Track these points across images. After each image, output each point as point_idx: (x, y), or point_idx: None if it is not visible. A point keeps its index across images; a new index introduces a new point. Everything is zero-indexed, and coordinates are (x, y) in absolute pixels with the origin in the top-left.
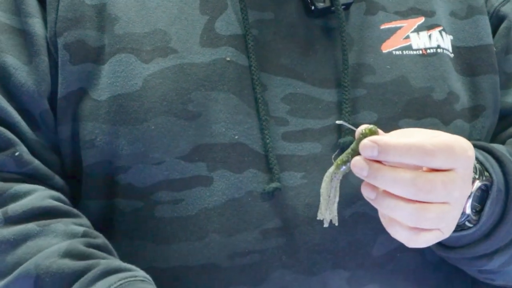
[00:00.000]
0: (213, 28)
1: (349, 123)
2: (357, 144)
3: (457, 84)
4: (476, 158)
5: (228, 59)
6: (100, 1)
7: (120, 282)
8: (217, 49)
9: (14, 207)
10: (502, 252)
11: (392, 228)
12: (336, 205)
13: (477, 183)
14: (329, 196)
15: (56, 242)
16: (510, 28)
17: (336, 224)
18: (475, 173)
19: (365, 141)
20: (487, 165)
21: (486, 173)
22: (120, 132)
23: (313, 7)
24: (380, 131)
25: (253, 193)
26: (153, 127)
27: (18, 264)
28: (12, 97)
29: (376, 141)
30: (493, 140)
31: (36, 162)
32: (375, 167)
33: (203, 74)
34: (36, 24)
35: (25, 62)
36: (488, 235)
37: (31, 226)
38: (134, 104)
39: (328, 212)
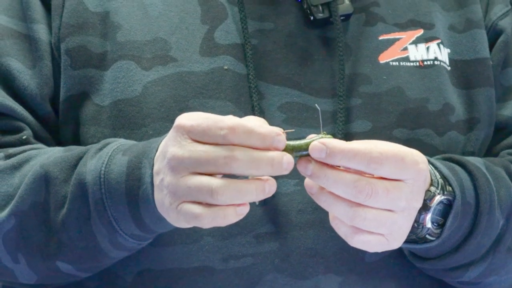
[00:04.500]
0: (212, 37)
1: (342, 132)
2: (309, 144)
3: (453, 96)
4: (440, 172)
5: (225, 67)
6: (103, 9)
7: (120, 143)
8: (216, 58)
9: (15, 149)
10: (477, 264)
11: (334, 222)
12: None
13: (438, 198)
14: None
15: (54, 152)
16: (507, 42)
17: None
18: (436, 187)
19: (315, 142)
20: (451, 180)
21: (449, 188)
22: (119, 136)
23: (312, 18)
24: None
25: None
26: (151, 132)
27: (24, 176)
28: (16, 99)
29: (325, 143)
30: (488, 152)
31: (40, 144)
32: (319, 167)
33: (201, 82)
34: (41, 30)
35: (29, 66)
36: (457, 247)
37: (30, 151)
38: (133, 109)
39: None
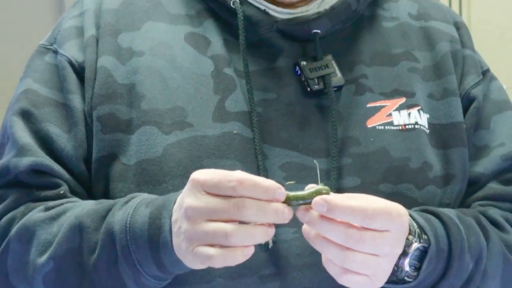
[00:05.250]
0: (223, 106)
1: (335, 187)
2: (309, 195)
3: (431, 155)
4: (417, 223)
5: (235, 132)
6: (130, 81)
7: (143, 197)
8: (226, 124)
9: (53, 202)
10: None
11: (326, 263)
12: None
13: (415, 245)
14: None
15: (87, 204)
16: (479, 108)
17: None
18: (414, 236)
19: (318, 198)
20: (427, 229)
21: (424, 236)
22: (143, 191)
23: (309, 89)
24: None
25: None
26: (170, 188)
27: (61, 226)
28: (55, 159)
29: (327, 200)
30: (462, 203)
31: (76, 198)
32: (316, 216)
33: (214, 145)
34: (76, 100)
35: (66, 131)
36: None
37: (67, 204)
38: (155, 168)
39: None
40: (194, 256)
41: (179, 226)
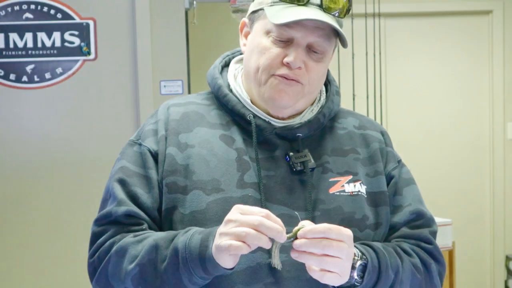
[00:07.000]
0: (242, 179)
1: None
2: (295, 233)
3: (368, 211)
4: (359, 249)
5: (249, 194)
6: (186, 163)
7: (197, 229)
8: (244, 190)
9: (139, 232)
10: None
11: (310, 270)
12: (278, 254)
13: (359, 262)
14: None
15: (161, 233)
16: (396, 182)
17: (280, 267)
18: (358, 257)
19: (300, 231)
20: (366, 253)
21: (364, 257)
22: None
23: (294, 169)
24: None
25: (260, 264)
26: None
27: (144, 246)
28: (140, 209)
29: (303, 230)
30: (385, 240)
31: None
32: (303, 241)
33: (236, 202)
34: (153, 173)
35: (146, 192)
36: None
37: (147, 233)
38: (201, 216)
39: (277, 259)
40: (220, 247)
41: (219, 233)
